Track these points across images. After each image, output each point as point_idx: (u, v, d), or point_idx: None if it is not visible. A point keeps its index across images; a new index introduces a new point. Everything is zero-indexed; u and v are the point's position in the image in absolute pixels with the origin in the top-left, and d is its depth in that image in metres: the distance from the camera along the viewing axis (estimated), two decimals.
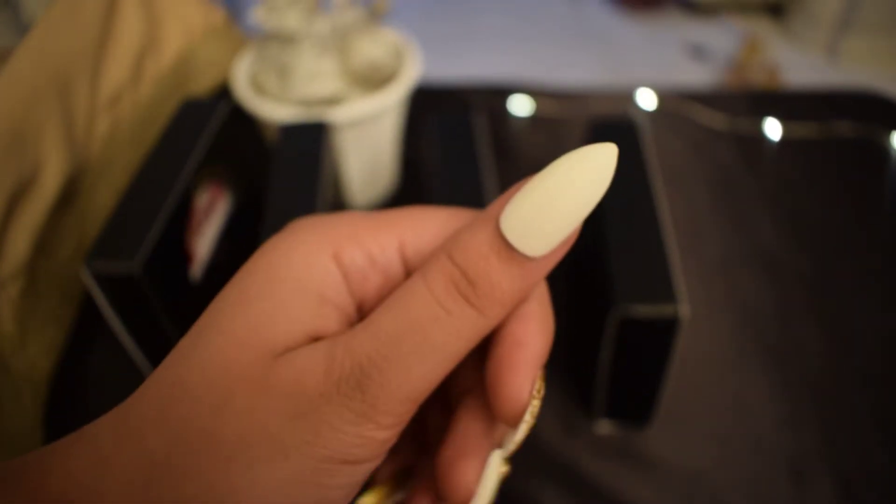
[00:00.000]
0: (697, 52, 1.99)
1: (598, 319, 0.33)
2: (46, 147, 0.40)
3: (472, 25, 2.17)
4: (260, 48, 0.47)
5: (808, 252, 0.48)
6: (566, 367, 0.41)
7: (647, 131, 0.59)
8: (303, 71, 0.44)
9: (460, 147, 0.38)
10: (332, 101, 0.45)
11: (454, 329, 0.15)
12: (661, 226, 0.34)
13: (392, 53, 0.47)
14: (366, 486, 0.19)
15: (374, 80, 0.46)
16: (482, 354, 0.18)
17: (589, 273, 0.37)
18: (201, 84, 0.58)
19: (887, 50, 1.88)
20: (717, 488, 0.35)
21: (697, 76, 1.89)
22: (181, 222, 0.37)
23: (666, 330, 0.31)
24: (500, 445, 0.18)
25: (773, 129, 0.59)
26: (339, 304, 0.16)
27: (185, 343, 0.16)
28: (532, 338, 0.17)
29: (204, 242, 0.41)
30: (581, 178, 0.15)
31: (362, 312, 0.17)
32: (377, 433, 0.15)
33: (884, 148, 0.57)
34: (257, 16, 0.44)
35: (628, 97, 0.63)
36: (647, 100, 0.62)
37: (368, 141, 0.46)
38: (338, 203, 0.42)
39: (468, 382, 0.19)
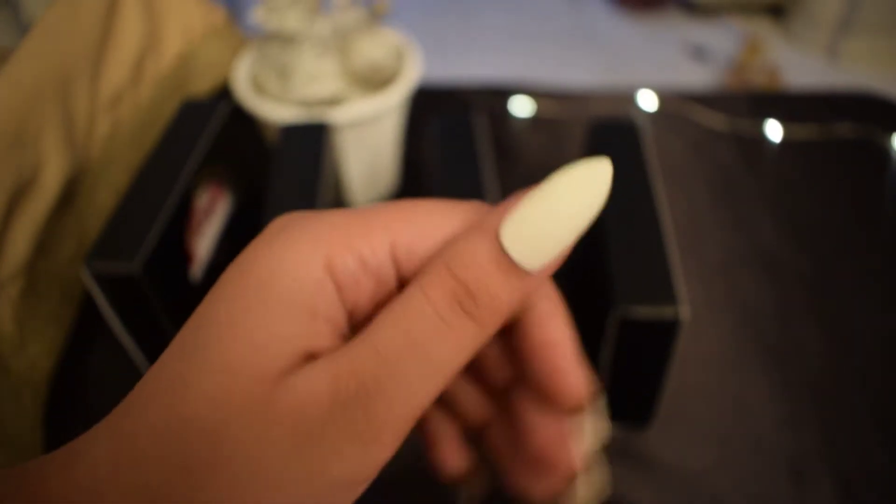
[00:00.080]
0: (698, 53, 2.00)
1: (598, 320, 0.33)
2: (47, 147, 0.40)
3: (472, 26, 2.17)
4: (260, 49, 0.47)
5: (808, 253, 0.48)
6: None
7: (648, 132, 0.59)
8: (303, 71, 0.45)
9: (461, 148, 0.38)
10: (333, 101, 0.45)
11: (456, 343, 0.15)
12: (661, 227, 0.34)
13: (393, 54, 0.47)
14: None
15: (374, 80, 0.46)
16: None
17: (589, 274, 0.37)
18: (202, 84, 0.58)
19: (887, 51, 1.88)
20: (718, 489, 0.35)
21: (698, 77, 1.89)
22: (181, 222, 0.37)
23: (666, 331, 0.31)
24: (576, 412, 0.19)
25: (773, 130, 0.59)
26: (332, 316, 0.16)
27: (177, 367, 0.15)
28: (561, 334, 0.18)
29: (204, 243, 0.41)
30: (580, 193, 0.15)
31: (353, 319, 0.17)
32: (381, 453, 0.15)
33: (884, 149, 0.57)
34: (258, 16, 0.44)
35: (629, 98, 0.63)
36: (647, 101, 0.62)
37: (369, 142, 0.46)
38: (338, 204, 0.42)
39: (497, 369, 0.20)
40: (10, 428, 0.35)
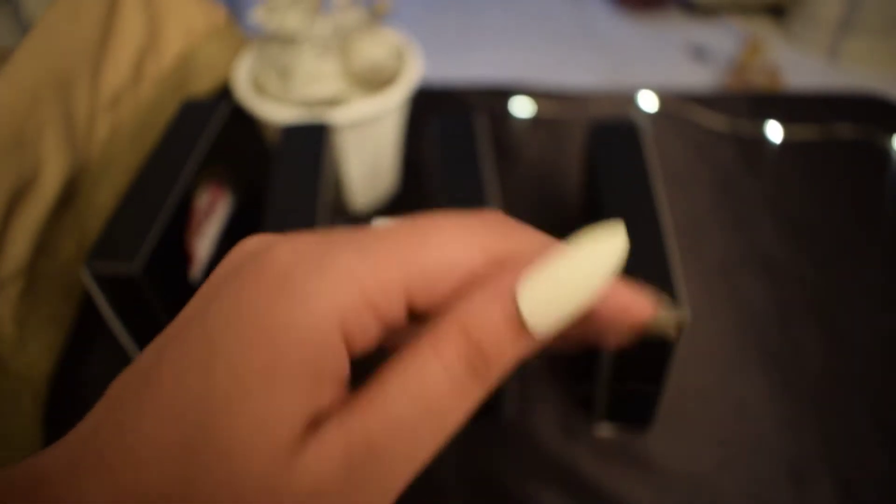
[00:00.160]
0: (698, 54, 2.00)
1: None
2: (47, 147, 0.40)
3: (473, 27, 2.17)
4: (261, 49, 0.47)
5: (808, 254, 0.48)
6: (566, 369, 0.41)
7: (648, 133, 0.59)
8: (304, 72, 0.44)
9: (461, 148, 0.38)
10: (333, 102, 0.45)
11: (465, 403, 0.15)
12: (661, 228, 0.34)
13: (393, 55, 0.47)
14: None
15: (375, 81, 0.46)
16: None
17: None
18: (202, 85, 0.58)
19: (888, 52, 1.88)
20: (718, 491, 0.35)
21: (698, 77, 1.89)
22: (181, 223, 0.37)
23: (666, 335, 0.31)
24: None
25: (773, 130, 0.59)
26: (339, 375, 0.15)
27: (185, 431, 0.14)
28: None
29: (204, 243, 0.40)
30: (597, 262, 0.15)
31: (355, 356, 0.17)
32: None
33: (884, 150, 0.57)
34: (258, 16, 0.44)
35: (629, 99, 0.63)
36: (648, 102, 0.62)
37: (369, 142, 0.46)
38: (338, 205, 0.42)
39: None
40: (9, 428, 0.35)
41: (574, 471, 0.36)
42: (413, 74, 0.46)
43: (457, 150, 0.38)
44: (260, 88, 0.47)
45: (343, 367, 0.15)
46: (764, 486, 0.35)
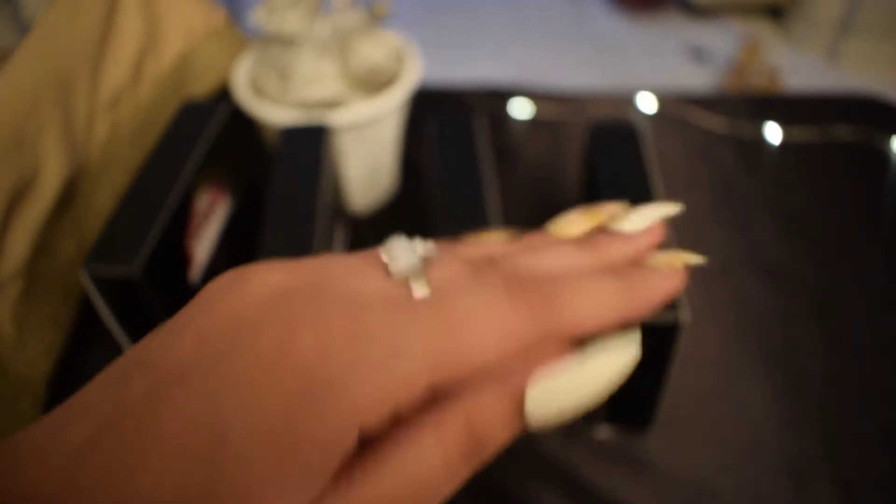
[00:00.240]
0: (697, 55, 2.00)
1: None
2: (46, 148, 0.40)
3: (472, 28, 2.17)
4: (260, 50, 0.47)
5: (808, 255, 0.48)
6: None
7: (648, 134, 0.59)
8: (303, 73, 0.44)
9: (461, 150, 0.38)
10: (333, 103, 0.45)
11: (455, 484, 0.16)
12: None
13: (392, 56, 0.47)
14: None
15: (374, 82, 0.46)
16: None
17: None
18: (201, 86, 0.58)
19: (887, 53, 1.88)
20: (718, 492, 0.35)
21: (697, 78, 1.90)
22: (181, 225, 0.37)
23: (666, 334, 0.31)
24: None
25: (773, 132, 0.59)
26: (347, 457, 0.15)
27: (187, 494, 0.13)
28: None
29: (203, 245, 0.40)
30: (609, 373, 0.16)
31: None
32: None
33: (883, 152, 0.57)
34: (258, 17, 0.44)
35: (629, 100, 0.63)
36: (647, 103, 0.62)
37: (369, 144, 0.46)
38: (338, 206, 0.42)
39: None
40: (8, 428, 0.35)
41: (573, 472, 0.36)
42: (412, 76, 0.46)
43: (456, 151, 0.38)
44: (259, 90, 0.47)
45: (351, 450, 0.15)
46: (764, 487, 0.35)
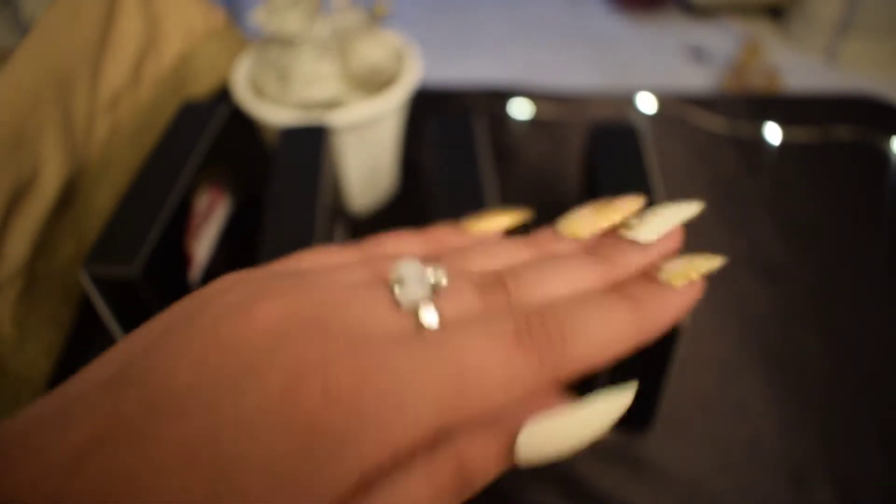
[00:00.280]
0: (697, 55, 2.00)
1: None
2: (46, 148, 0.40)
3: (471, 28, 2.17)
4: (260, 51, 0.47)
5: (808, 255, 0.48)
6: None
7: (648, 135, 0.59)
8: (303, 74, 0.44)
9: (460, 150, 0.38)
10: (332, 104, 0.45)
11: None
12: None
13: (392, 56, 0.47)
14: None
15: (374, 83, 0.46)
16: None
17: None
18: (201, 86, 0.58)
19: (886, 53, 1.88)
20: (717, 493, 0.35)
21: (697, 78, 1.90)
22: (180, 225, 0.37)
23: (667, 336, 0.31)
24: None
25: (772, 133, 0.59)
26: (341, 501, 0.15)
27: None
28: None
29: (203, 245, 0.40)
30: (602, 420, 0.16)
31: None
32: None
33: (883, 152, 0.57)
34: (257, 18, 0.44)
35: (628, 101, 0.63)
36: (646, 104, 0.62)
37: (368, 144, 0.46)
38: (337, 206, 0.42)
39: None
40: None
41: (572, 473, 0.36)
42: (412, 76, 0.46)
43: (456, 151, 0.38)
44: (259, 90, 0.47)
45: (350, 492, 0.15)
46: (764, 489, 0.35)
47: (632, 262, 0.19)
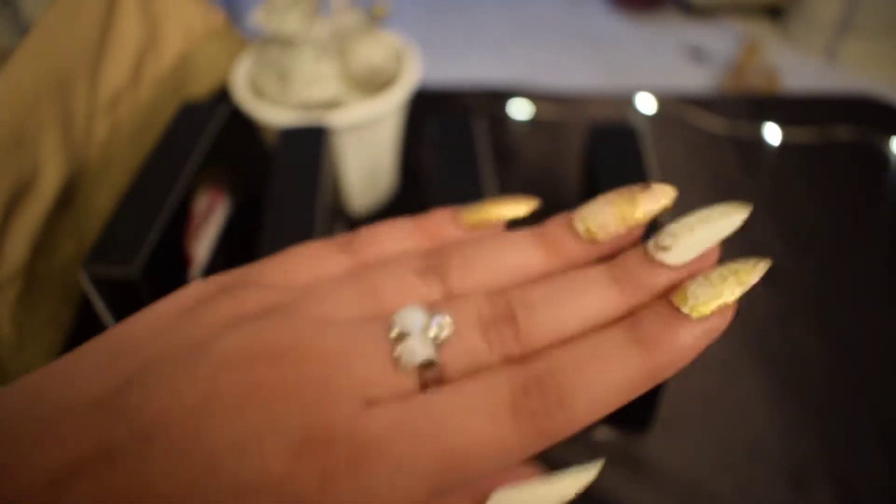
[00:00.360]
0: (696, 55, 2.00)
1: None
2: (45, 149, 0.40)
3: (471, 28, 2.17)
4: (259, 51, 0.47)
5: (808, 256, 0.48)
6: None
7: (647, 135, 0.59)
8: (302, 74, 0.44)
9: (460, 150, 0.38)
10: (332, 104, 0.45)
11: None
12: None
13: (392, 57, 0.47)
14: None
15: (373, 83, 0.46)
16: None
17: None
18: (201, 87, 0.58)
19: (886, 53, 1.88)
20: (717, 494, 0.35)
21: (696, 78, 1.90)
22: (180, 226, 0.37)
23: None
24: None
25: (771, 133, 0.59)
26: None
27: None
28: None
29: (202, 246, 0.40)
30: (571, 490, 0.17)
31: None
32: None
33: (883, 152, 0.57)
34: (257, 18, 0.44)
35: (628, 101, 0.63)
36: (646, 104, 0.62)
37: (368, 145, 0.46)
38: (337, 207, 0.42)
39: None
40: None
41: None
42: (412, 77, 0.46)
43: (455, 151, 0.38)
44: (258, 91, 0.47)
45: None
46: (763, 488, 0.35)
47: (656, 286, 0.18)
